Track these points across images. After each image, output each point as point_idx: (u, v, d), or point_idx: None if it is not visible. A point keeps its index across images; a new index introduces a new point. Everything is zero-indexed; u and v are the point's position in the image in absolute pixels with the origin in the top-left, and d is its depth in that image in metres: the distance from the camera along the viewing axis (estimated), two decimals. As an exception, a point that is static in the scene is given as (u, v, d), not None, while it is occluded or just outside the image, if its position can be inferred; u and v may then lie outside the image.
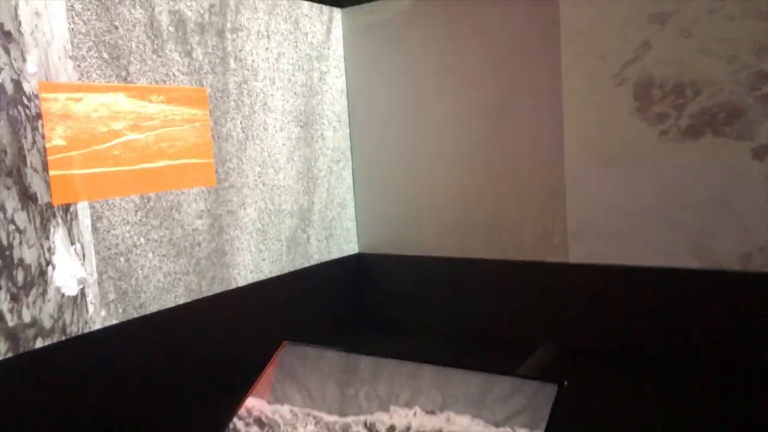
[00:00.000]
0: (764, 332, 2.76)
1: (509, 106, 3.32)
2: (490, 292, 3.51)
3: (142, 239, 2.67)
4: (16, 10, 2.22)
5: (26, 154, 2.24)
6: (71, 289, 2.40)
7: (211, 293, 3.00)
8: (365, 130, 3.87)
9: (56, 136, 2.34)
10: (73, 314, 2.41)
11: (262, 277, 3.30)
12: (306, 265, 3.60)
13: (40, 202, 2.29)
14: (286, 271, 3.46)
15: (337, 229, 3.85)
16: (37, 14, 2.29)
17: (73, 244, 2.40)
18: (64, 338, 2.37)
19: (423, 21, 3.53)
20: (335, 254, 3.83)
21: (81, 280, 2.44)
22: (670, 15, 2.83)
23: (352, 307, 3.98)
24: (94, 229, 2.49)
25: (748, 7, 2.67)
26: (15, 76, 2.21)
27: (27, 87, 2.26)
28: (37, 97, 2.28)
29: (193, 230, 2.91)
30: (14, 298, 2.21)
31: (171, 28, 2.79)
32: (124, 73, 2.60)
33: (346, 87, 3.89)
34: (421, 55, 3.57)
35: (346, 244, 3.93)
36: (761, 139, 2.70)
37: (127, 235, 2.61)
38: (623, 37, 2.95)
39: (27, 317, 2.25)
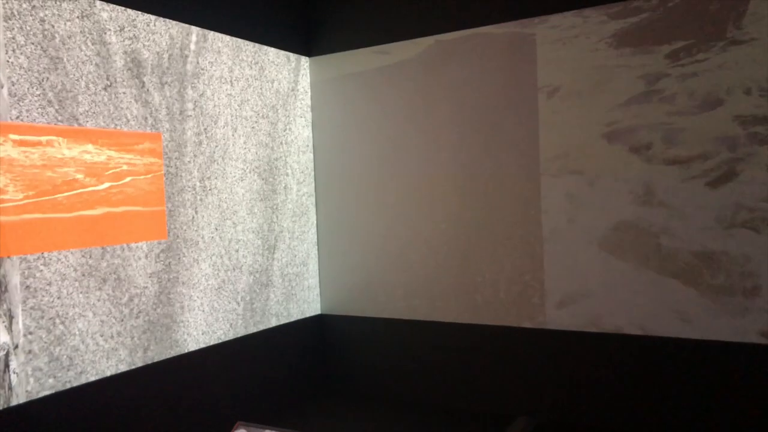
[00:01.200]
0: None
1: (483, 163, 3.19)
2: (463, 359, 3.28)
3: (81, 298, 2.37)
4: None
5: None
6: (-9, 357, 2.07)
7: (158, 359, 2.68)
8: (331, 184, 3.68)
9: (-15, 181, 2.07)
10: (-9, 386, 2.07)
11: (215, 340, 3.00)
12: (264, 327, 3.32)
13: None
14: (241, 334, 3.16)
15: (298, 288, 3.59)
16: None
17: (-3, 303, 2.09)
18: (-22, 414, 2.03)
19: (394, 73, 3.42)
20: (296, 315, 3.56)
21: (2, 346, 2.11)
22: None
23: (314, 374, 3.68)
24: (25, 288, 2.18)
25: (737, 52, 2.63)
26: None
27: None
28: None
29: (142, 288, 2.62)
30: None
31: (125, 70, 2.57)
32: (69, 115, 2.35)
33: (312, 138, 3.71)
34: (391, 108, 3.43)
35: (307, 304, 3.66)
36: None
37: (65, 293, 2.31)
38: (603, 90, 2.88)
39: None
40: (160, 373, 2.69)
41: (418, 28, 3.33)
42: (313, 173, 3.71)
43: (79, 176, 2.38)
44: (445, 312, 3.31)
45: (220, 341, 3.02)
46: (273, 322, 3.38)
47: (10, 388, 2.13)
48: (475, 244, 3.21)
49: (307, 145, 3.68)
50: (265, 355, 3.31)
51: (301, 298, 3.60)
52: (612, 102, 2.86)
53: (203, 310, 2.94)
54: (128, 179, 2.57)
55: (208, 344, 2.95)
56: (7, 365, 2.12)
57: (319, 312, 3.74)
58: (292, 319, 3.52)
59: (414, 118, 3.36)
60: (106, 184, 2.48)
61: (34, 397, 2.21)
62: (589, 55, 2.90)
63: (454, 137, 3.25)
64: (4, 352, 2.12)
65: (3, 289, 2.12)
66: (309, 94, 3.69)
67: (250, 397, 3.19)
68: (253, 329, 3.23)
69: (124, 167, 2.55)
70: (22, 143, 2.18)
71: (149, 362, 2.64)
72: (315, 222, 3.72)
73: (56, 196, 2.29)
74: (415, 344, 3.43)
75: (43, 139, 2.25)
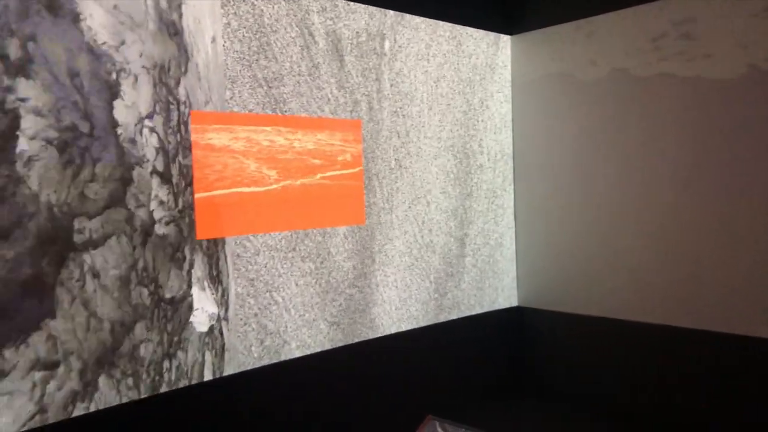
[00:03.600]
0: None
1: (716, 149, 2.75)
2: (680, 368, 2.89)
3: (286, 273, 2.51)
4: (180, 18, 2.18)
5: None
6: (203, 325, 2.28)
7: (353, 337, 2.76)
8: (531, 166, 3.46)
9: (204, 169, 2.26)
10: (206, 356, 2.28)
11: (407, 318, 3.00)
12: (456, 314, 3.25)
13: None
14: (432, 318, 3.13)
15: (493, 276, 3.46)
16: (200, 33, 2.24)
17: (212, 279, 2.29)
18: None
19: (607, 49, 3.09)
20: (488, 304, 3.43)
21: (212, 316, 2.31)
22: None
23: (507, 371, 3.53)
24: (236, 256, 2.36)
25: None
26: (174, 105, 2.17)
27: (176, 115, 2.20)
28: (186, 127, 2.22)
29: (339, 268, 2.70)
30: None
31: (326, 51, 2.65)
32: (277, 102, 2.48)
33: (511, 115, 3.53)
34: (604, 88, 3.12)
35: (502, 294, 3.51)
36: None
37: (270, 264, 2.47)
38: None
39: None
40: (354, 356, 2.76)
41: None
42: (511, 152, 3.54)
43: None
44: (663, 314, 2.94)
45: (411, 328, 3.01)
46: (465, 310, 3.30)
47: (221, 357, 2.33)
48: (705, 240, 2.78)
49: (505, 122, 3.51)
50: (456, 345, 3.25)
51: (496, 287, 3.47)
52: None
53: (396, 287, 2.96)
54: (338, 167, 2.66)
55: (400, 325, 2.97)
56: (219, 333, 2.32)
57: (515, 304, 3.58)
58: (486, 309, 3.41)
59: (633, 93, 3.01)
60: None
61: (242, 368, 2.39)
62: None
63: (681, 116, 2.85)
64: (215, 322, 2.31)
65: (215, 262, 2.31)
66: (509, 68, 3.51)
67: (441, 388, 3.15)
68: (444, 315, 3.18)
69: (326, 150, 2.64)
70: (232, 133, 2.35)
71: (348, 339, 2.73)
72: (513, 205, 3.55)
73: (258, 180, 2.44)
74: (623, 346, 3.08)
75: (255, 129, 2.41)
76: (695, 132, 2.78)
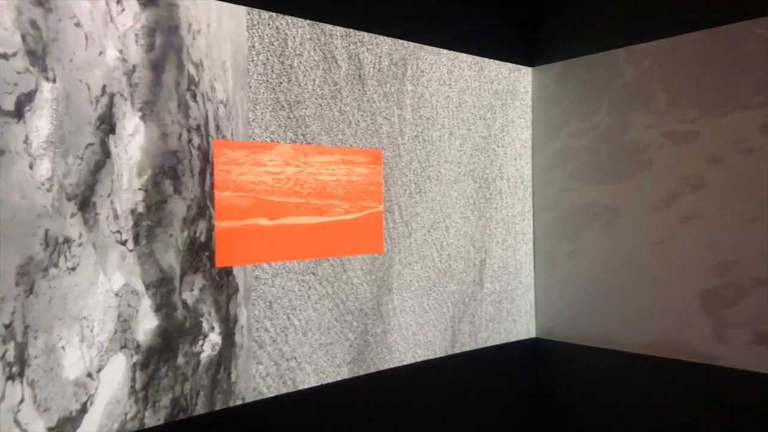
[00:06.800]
0: None
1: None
2: (704, 405, 2.81)
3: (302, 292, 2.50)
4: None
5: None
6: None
7: (369, 366, 2.73)
8: (551, 193, 3.43)
9: (225, 196, 2.27)
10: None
11: (424, 356, 2.96)
12: (472, 344, 3.19)
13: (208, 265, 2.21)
14: (448, 348, 3.08)
15: (510, 305, 3.41)
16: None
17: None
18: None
19: (632, 82, 3.08)
20: (504, 334, 3.37)
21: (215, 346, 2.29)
22: None
23: (526, 408, 3.46)
24: (254, 278, 2.35)
25: None
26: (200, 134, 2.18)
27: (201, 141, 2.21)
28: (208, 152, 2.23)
29: (356, 294, 2.68)
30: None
31: (348, 75, 2.66)
32: (298, 117, 2.49)
33: (531, 142, 3.51)
34: (624, 111, 3.10)
35: (519, 325, 3.45)
36: None
37: (288, 286, 2.45)
38: None
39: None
40: (368, 387, 2.73)
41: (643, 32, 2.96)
42: (530, 179, 3.51)
43: (301, 199, 2.51)
44: (695, 350, 2.85)
45: (425, 358, 2.97)
46: (481, 341, 3.24)
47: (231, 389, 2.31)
48: (745, 269, 2.73)
49: (525, 148, 3.49)
50: (470, 379, 3.19)
51: (513, 316, 3.41)
52: None
53: (414, 311, 2.92)
54: (349, 195, 2.66)
55: (416, 354, 2.93)
56: (218, 364, 2.30)
57: (533, 335, 3.52)
58: (502, 341, 3.35)
59: (658, 124, 3.00)
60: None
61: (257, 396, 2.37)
62: None
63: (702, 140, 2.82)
64: (216, 352, 2.29)
65: (228, 289, 2.30)
66: (530, 94, 3.50)
67: (447, 423, 3.09)
68: (459, 346, 3.13)
69: (347, 180, 2.64)
70: (259, 162, 2.36)
71: (364, 368, 2.69)
72: (532, 232, 3.51)
73: (275, 212, 2.44)
74: (656, 385, 2.98)
75: (277, 158, 2.41)
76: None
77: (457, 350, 3.11)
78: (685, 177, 2.85)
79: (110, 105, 1.99)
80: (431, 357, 2.99)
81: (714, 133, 2.76)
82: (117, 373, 2.01)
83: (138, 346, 2.05)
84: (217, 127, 2.25)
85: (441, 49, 3.03)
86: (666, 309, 2.91)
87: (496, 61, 3.31)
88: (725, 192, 2.73)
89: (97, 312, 1.97)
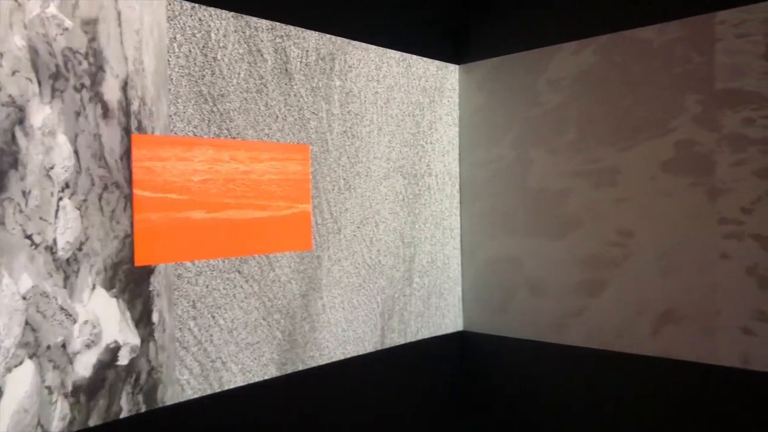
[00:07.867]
0: None
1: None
2: (621, 394, 2.95)
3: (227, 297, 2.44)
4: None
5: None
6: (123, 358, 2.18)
7: (297, 363, 2.70)
8: (477, 190, 3.50)
9: (143, 190, 2.18)
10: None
11: (354, 352, 2.96)
12: (401, 339, 3.22)
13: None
14: (377, 343, 3.09)
15: (438, 299, 3.45)
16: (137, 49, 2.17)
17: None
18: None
19: (554, 80, 3.17)
20: (434, 331, 3.42)
21: (133, 348, 2.22)
22: None
23: (454, 399, 3.51)
24: (177, 276, 2.28)
25: None
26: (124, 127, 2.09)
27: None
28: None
29: (284, 292, 2.65)
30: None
31: (274, 69, 2.62)
32: (222, 112, 2.43)
33: (459, 138, 3.57)
34: (549, 118, 3.19)
35: (448, 319, 3.50)
36: None
37: (212, 284, 2.39)
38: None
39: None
40: (297, 384, 2.71)
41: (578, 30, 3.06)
42: (458, 175, 3.56)
43: (228, 196, 2.45)
44: (625, 340, 2.95)
45: (354, 354, 2.97)
46: (410, 336, 3.27)
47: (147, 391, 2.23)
48: (667, 257, 2.87)
49: (453, 145, 3.54)
50: (399, 373, 3.21)
51: (441, 309, 3.46)
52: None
53: (343, 308, 2.92)
54: (274, 189, 2.61)
55: (346, 350, 2.92)
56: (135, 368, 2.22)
57: (461, 328, 3.58)
58: (431, 335, 3.39)
59: (579, 122, 3.10)
60: (255, 193, 2.54)
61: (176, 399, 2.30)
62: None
63: (634, 139, 2.95)
64: (135, 355, 2.22)
65: (151, 290, 2.22)
66: (457, 91, 3.55)
67: (378, 417, 3.11)
68: (389, 341, 3.15)
69: (273, 177, 2.60)
70: (179, 157, 2.28)
71: (292, 366, 2.66)
72: (459, 226, 3.57)
73: (196, 206, 2.37)
74: (586, 376, 3.07)
75: (201, 151, 2.35)
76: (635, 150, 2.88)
77: (386, 345, 3.13)
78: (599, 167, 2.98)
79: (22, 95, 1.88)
80: (361, 353, 3.00)
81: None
82: (24, 381, 1.90)
83: (50, 350, 1.95)
84: (139, 122, 2.16)
85: (369, 45, 3.03)
86: (584, 301, 3.03)
87: (424, 58, 3.34)
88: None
89: (2, 316, 1.85)
